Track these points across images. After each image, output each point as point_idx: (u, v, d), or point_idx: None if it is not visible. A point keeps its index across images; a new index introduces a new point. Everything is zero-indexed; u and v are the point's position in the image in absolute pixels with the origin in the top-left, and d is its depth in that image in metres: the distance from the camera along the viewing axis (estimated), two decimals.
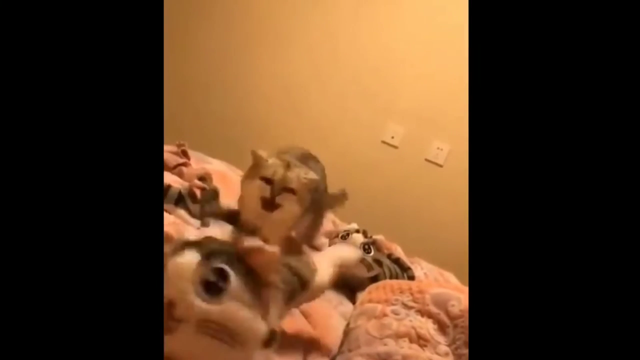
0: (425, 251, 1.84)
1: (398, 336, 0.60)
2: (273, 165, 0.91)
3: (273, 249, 0.54)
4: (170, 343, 0.48)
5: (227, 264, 0.51)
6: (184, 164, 1.39)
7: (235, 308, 0.50)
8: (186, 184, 1.17)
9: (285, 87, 2.27)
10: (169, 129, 2.23)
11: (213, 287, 0.49)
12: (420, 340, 0.60)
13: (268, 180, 0.89)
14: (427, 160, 2.19)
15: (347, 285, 1.14)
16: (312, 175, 0.93)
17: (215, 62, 2.30)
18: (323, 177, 1.08)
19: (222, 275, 0.51)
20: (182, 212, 1.05)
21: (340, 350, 0.65)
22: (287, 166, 0.91)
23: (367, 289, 0.75)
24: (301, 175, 0.91)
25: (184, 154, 1.46)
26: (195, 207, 1.07)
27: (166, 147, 1.44)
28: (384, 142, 2.21)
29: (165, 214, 1.03)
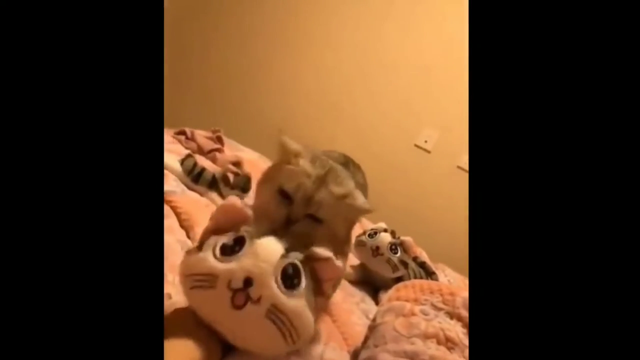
0: (450, 258, 1.81)
1: (426, 336, 0.59)
2: (301, 173, 0.63)
3: (340, 263, 0.54)
4: (235, 319, 0.49)
5: (300, 263, 0.52)
6: (218, 150, 1.41)
7: (303, 307, 0.50)
8: (219, 168, 1.19)
9: (324, 87, 2.27)
10: (207, 116, 2.26)
11: (289, 280, 0.50)
12: (448, 342, 0.59)
13: (287, 196, 0.62)
14: (459, 167, 2.15)
15: (371, 283, 1.13)
16: (361, 199, 0.66)
17: (258, 59, 2.32)
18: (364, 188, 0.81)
19: (297, 272, 0.51)
20: (214, 195, 1.07)
21: (365, 345, 0.64)
22: (322, 180, 0.63)
23: (395, 287, 0.74)
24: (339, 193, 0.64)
25: (219, 139, 1.48)
26: (227, 191, 1.08)
27: (202, 132, 1.47)
28: (417, 145, 2.19)
29: (198, 196, 1.04)
